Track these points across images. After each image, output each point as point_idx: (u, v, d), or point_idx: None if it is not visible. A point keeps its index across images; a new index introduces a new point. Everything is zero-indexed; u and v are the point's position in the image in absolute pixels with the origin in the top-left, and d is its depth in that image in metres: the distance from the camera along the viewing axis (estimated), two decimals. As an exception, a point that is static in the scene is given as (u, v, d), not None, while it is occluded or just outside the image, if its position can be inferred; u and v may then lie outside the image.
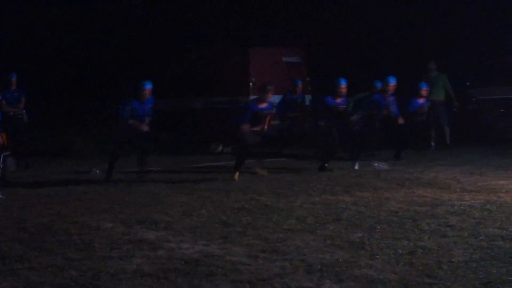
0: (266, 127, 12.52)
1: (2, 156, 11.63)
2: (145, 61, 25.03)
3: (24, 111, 15.53)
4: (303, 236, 7.37)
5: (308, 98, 19.04)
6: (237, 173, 12.23)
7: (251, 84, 17.67)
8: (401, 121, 14.39)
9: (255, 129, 12.22)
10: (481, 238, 7.05)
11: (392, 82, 14.44)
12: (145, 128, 11.99)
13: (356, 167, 13.34)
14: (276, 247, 6.85)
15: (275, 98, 17.91)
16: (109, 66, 28.82)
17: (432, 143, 17.27)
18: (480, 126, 19.12)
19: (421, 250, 6.57)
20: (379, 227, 7.77)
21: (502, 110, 19.50)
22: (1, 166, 11.63)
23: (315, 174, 12.93)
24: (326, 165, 13.00)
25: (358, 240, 7.11)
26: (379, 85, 15.05)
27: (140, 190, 11.25)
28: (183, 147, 18.73)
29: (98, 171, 13.65)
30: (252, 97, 17.34)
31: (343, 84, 13.09)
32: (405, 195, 10.14)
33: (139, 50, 27.90)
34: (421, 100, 15.48)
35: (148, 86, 12.12)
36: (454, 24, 26.55)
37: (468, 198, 9.65)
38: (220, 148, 17.52)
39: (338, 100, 12.03)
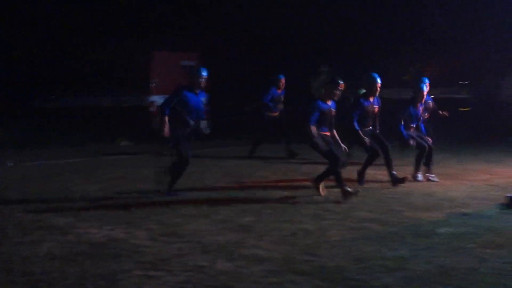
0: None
1: None
2: (56, 59, 24.38)
3: None
4: (198, 221, 7.75)
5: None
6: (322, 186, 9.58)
7: (151, 84, 17.98)
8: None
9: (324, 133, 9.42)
10: (354, 220, 7.68)
11: (281, 78, 14.17)
12: None
13: None
14: (175, 230, 7.20)
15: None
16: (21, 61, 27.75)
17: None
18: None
19: (302, 232, 7.09)
20: (266, 212, 8.23)
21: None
22: None
23: (211, 166, 13.12)
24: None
25: (247, 223, 7.56)
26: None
27: (51, 181, 11.18)
28: (92, 140, 18.40)
29: (10, 164, 13.36)
30: (153, 97, 18.03)
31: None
32: (289, 183, 10.67)
33: (51, 48, 27.04)
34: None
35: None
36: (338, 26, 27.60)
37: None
38: (125, 142, 17.61)
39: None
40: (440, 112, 12.79)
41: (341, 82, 9.00)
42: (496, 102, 19.50)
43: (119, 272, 5.54)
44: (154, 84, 18.29)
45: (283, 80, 13.66)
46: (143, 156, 14.90)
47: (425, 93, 10.83)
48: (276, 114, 13.87)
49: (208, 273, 5.56)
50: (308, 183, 10.08)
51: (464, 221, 7.61)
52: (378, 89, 9.34)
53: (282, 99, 13.65)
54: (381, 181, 10.49)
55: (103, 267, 5.71)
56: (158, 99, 18.09)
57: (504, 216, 7.83)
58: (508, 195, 8.52)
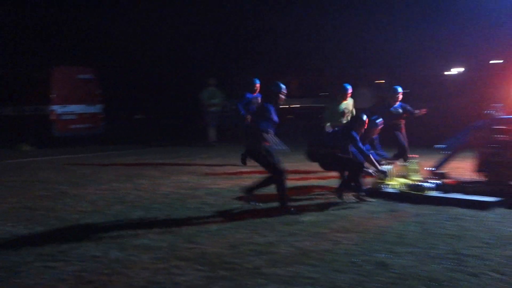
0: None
1: None
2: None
3: None
4: (94, 216, 7.64)
5: (100, 106, 19.93)
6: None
7: (52, 95, 17.75)
8: None
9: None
10: (231, 212, 7.83)
11: (256, 83, 12.47)
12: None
13: None
14: (72, 225, 7.10)
15: (74, 108, 18.71)
16: None
17: (212, 141, 17.57)
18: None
19: (185, 222, 7.15)
20: (154, 207, 8.21)
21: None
22: None
23: (104, 167, 12.95)
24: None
25: (137, 217, 7.54)
26: None
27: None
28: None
29: None
30: (53, 106, 17.87)
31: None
32: (174, 181, 10.63)
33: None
34: None
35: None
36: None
37: (220, 183, 10.31)
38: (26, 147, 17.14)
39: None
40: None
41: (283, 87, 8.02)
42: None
43: (21, 264, 5.43)
44: (54, 95, 17.89)
45: (257, 85, 12.33)
46: (44, 159, 14.51)
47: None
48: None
49: (102, 262, 5.52)
50: (192, 180, 10.22)
51: (324, 211, 7.88)
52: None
53: (259, 100, 11.95)
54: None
55: (5, 260, 5.58)
56: (58, 108, 18.12)
57: (355, 205, 8.15)
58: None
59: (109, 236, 6.54)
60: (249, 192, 8.07)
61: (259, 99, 11.80)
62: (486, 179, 8.63)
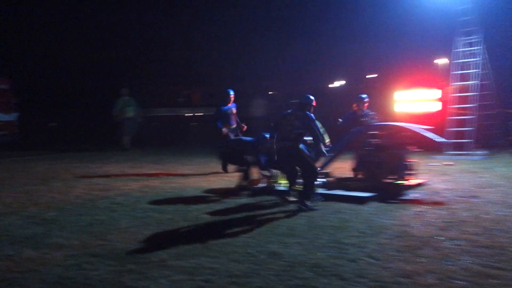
0: None
1: None
2: None
3: None
4: (9, 217, 7.29)
5: (15, 115, 19.51)
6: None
7: None
8: None
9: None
10: (139, 211, 7.63)
11: (230, 94, 11.46)
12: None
13: None
14: None
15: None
16: None
17: (125, 146, 17.13)
18: (155, 134, 20.28)
19: (97, 222, 6.94)
20: (67, 208, 7.92)
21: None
22: None
23: (19, 171, 12.37)
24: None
25: (51, 217, 7.23)
26: None
27: None
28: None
29: None
30: None
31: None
32: (86, 183, 10.31)
33: None
34: None
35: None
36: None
37: (131, 184, 10.14)
38: None
39: None
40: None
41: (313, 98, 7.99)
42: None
43: None
44: None
45: (232, 95, 11.21)
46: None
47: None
48: (231, 126, 11.16)
49: (15, 260, 5.30)
50: (103, 182, 9.93)
51: (223, 206, 7.88)
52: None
53: (234, 111, 11.20)
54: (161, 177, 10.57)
55: None
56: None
57: (251, 202, 8.21)
58: (256, 186, 8.95)
59: (23, 235, 6.26)
60: (291, 189, 7.89)
61: (234, 110, 11.29)
62: (363, 177, 8.95)
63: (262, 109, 18.57)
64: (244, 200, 8.40)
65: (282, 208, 7.67)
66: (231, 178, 10.22)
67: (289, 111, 7.93)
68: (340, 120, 10.00)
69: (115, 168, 12.88)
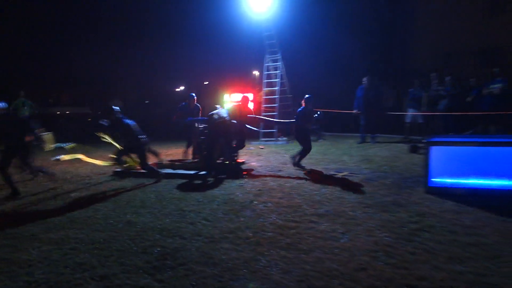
0: None
1: None
2: None
3: None
4: None
5: None
6: None
7: None
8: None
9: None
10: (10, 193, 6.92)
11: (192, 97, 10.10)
12: None
13: None
14: None
15: None
16: None
17: None
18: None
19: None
20: None
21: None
22: None
23: None
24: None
25: None
26: None
27: None
28: None
29: None
30: None
31: None
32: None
33: None
34: None
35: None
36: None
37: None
38: None
39: None
40: None
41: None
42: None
43: None
44: None
45: (193, 99, 9.90)
46: None
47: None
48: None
49: None
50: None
51: (89, 187, 7.43)
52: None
53: (195, 111, 9.84)
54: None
55: None
56: None
57: (115, 182, 7.86)
58: (115, 170, 8.59)
59: None
60: (298, 166, 8.44)
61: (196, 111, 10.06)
62: (199, 159, 9.02)
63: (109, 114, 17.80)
64: (106, 181, 8.02)
65: (136, 185, 7.46)
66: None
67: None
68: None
69: None
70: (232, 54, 25.87)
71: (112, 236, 4.77)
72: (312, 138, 11.89)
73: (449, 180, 6.45)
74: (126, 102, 18.54)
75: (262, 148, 12.51)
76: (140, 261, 4.11)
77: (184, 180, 7.78)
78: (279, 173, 8.32)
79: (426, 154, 6.48)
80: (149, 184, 7.58)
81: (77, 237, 4.77)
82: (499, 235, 4.60)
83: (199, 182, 7.70)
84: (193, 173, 8.16)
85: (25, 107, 15.35)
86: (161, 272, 3.88)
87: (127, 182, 7.79)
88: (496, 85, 11.12)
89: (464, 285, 3.52)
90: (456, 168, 6.44)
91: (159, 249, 4.39)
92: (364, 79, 12.56)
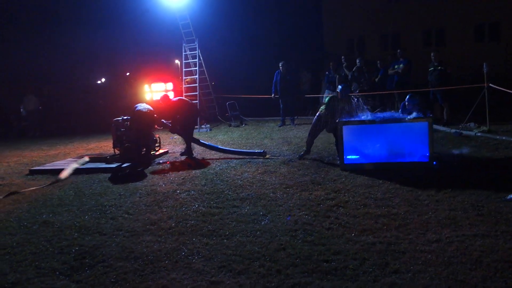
0: None
1: None
2: None
3: None
4: None
5: None
6: None
7: None
8: None
9: None
10: None
11: None
12: None
13: None
14: None
15: None
16: None
17: None
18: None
19: None
20: None
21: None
22: None
23: None
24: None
25: None
26: None
27: None
28: None
29: None
30: None
31: None
32: None
33: None
34: None
35: None
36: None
37: None
38: None
39: None
40: None
41: None
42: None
43: None
44: None
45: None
46: None
47: None
48: None
49: None
50: None
51: (1, 187, 6.84)
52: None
53: None
54: None
55: None
56: None
57: (28, 181, 7.28)
58: (31, 168, 7.98)
59: None
60: (307, 153, 7.72)
61: None
62: (119, 152, 8.63)
63: (36, 103, 16.42)
64: (21, 181, 7.40)
65: (57, 184, 6.97)
66: (9, 164, 8.95)
67: None
68: None
69: None
70: (152, 44, 25.01)
71: (26, 239, 4.41)
72: (235, 123, 12.01)
73: (359, 157, 6.70)
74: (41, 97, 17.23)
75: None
76: (56, 262, 3.83)
77: (105, 174, 7.37)
78: (203, 159, 8.20)
79: (340, 133, 6.67)
80: (69, 180, 7.12)
81: (-14, 243, 4.34)
82: (407, 204, 4.84)
83: (121, 175, 7.35)
84: (114, 167, 7.78)
85: None
86: (79, 272, 3.63)
87: (44, 181, 7.25)
88: (400, 65, 11.74)
89: (376, 255, 3.64)
90: (365, 145, 6.71)
91: (77, 248, 4.11)
92: (281, 64, 12.69)
